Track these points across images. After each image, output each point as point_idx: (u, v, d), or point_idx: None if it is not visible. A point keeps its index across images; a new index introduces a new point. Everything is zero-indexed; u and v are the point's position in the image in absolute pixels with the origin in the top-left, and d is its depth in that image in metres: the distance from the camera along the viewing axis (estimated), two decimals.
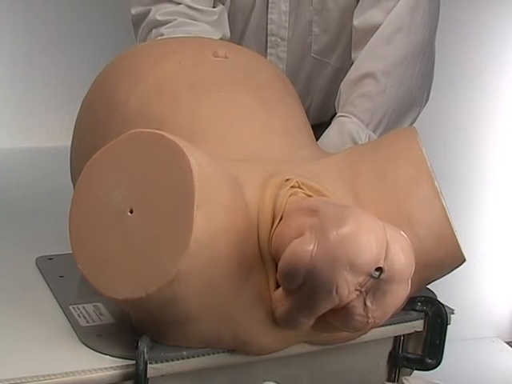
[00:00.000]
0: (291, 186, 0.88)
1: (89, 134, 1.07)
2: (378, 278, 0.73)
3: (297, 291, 0.77)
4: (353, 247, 0.73)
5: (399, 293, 0.76)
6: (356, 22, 1.31)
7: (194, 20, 1.32)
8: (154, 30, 1.32)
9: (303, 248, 0.74)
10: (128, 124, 0.98)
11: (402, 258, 0.74)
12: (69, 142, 1.13)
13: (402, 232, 0.76)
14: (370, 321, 0.76)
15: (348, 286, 0.74)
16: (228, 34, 1.35)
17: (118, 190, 0.81)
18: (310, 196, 0.88)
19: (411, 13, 1.27)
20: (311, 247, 0.74)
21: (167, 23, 1.31)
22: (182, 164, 0.78)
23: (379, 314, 0.76)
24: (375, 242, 0.73)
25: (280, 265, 0.78)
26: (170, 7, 1.32)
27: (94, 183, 0.84)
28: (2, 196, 1.39)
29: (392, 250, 0.74)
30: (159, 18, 1.31)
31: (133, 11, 1.36)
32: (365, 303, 0.75)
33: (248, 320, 0.85)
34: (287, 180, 0.89)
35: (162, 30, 1.30)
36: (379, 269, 0.73)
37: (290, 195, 0.87)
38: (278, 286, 0.83)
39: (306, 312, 0.78)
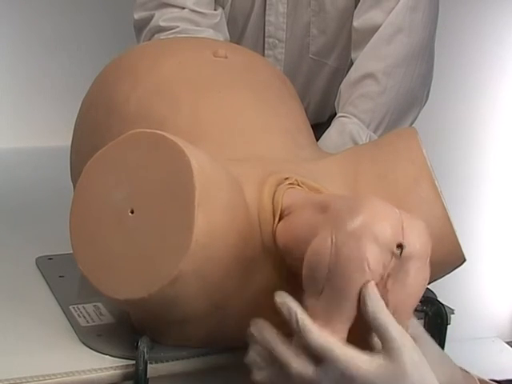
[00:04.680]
0: (290, 183, 0.88)
1: (89, 135, 1.07)
2: (399, 257, 0.73)
3: (324, 290, 0.73)
4: (371, 232, 0.72)
5: (419, 273, 0.75)
6: (356, 22, 1.31)
7: (197, 25, 1.31)
8: (156, 36, 1.32)
9: (322, 244, 0.73)
10: (128, 124, 0.98)
11: (419, 238, 0.74)
12: (69, 142, 1.12)
13: (416, 217, 0.76)
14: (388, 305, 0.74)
15: (379, 259, 0.72)
16: (228, 37, 1.35)
17: (118, 190, 0.81)
18: None
19: (411, 13, 1.27)
20: (329, 241, 0.73)
21: (170, 29, 1.30)
22: (182, 164, 0.78)
23: (401, 297, 0.75)
24: (391, 227, 0.73)
25: (303, 270, 0.75)
26: (174, 12, 1.32)
27: (94, 183, 0.84)
28: (1, 196, 1.39)
29: (408, 231, 0.74)
30: (162, 23, 1.31)
31: (136, 16, 1.35)
32: (385, 286, 0.74)
33: (249, 320, 0.85)
34: (286, 178, 0.89)
35: (164, 36, 1.30)
36: (400, 246, 0.73)
37: (288, 189, 0.87)
38: (282, 284, 0.82)
39: (337, 310, 0.73)
